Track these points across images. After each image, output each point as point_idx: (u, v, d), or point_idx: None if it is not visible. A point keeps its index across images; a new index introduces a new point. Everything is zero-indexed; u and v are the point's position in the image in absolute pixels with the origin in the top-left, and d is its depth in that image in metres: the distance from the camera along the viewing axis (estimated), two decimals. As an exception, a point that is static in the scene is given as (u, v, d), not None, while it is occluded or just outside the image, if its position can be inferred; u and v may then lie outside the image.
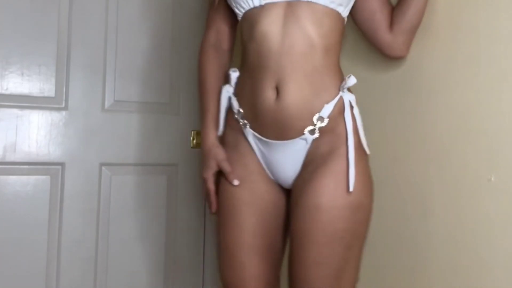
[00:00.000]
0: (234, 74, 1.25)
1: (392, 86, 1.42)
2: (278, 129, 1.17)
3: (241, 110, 1.22)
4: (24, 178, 1.65)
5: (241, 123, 1.23)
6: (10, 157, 1.63)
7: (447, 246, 1.25)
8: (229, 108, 1.28)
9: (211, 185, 1.27)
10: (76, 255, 1.72)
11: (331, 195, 1.14)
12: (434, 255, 1.28)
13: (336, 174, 1.16)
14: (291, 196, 1.23)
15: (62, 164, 1.70)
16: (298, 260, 1.15)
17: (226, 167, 1.24)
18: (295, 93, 1.14)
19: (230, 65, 1.35)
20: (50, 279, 1.68)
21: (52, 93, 1.69)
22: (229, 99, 1.27)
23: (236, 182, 1.22)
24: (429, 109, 1.31)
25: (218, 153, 1.27)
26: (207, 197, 1.29)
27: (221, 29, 1.33)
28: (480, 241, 1.18)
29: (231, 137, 1.27)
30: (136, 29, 1.82)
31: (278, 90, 1.15)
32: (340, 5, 1.18)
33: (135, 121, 1.80)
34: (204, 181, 1.29)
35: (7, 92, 1.63)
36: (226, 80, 1.31)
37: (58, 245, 1.69)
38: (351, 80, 1.18)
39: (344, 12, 1.22)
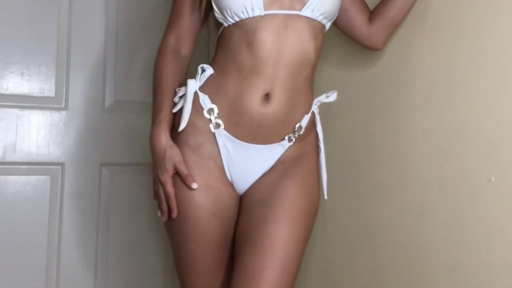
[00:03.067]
0: (209, 71, 1.21)
1: (392, 86, 1.42)
2: (261, 133, 1.19)
3: (215, 109, 1.19)
4: (24, 178, 1.65)
5: (212, 123, 1.19)
6: (10, 157, 1.62)
7: (447, 246, 1.25)
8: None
9: (171, 189, 1.19)
10: (76, 255, 1.71)
11: (305, 195, 1.22)
12: (433, 255, 1.28)
13: (309, 175, 1.25)
14: (253, 193, 1.22)
15: (62, 164, 1.70)
16: (265, 248, 1.12)
17: (184, 169, 1.18)
18: (285, 101, 1.18)
19: (189, 70, 1.30)
20: (50, 279, 1.68)
21: (52, 93, 1.69)
22: (195, 95, 1.21)
23: (194, 186, 1.17)
24: (429, 109, 1.31)
25: (175, 154, 1.19)
26: (166, 201, 1.20)
27: (182, 35, 1.26)
28: (480, 241, 1.18)
29: (192, 138, 1.20)
30: (136, 29, 1.82)
31: (269, 96, 1.17)
32: (330, 20, 1.24)
33: (135, 121, 1.80)
34: (162, 185, 1.20)
35: (7, 92, 1.63)
36: (185, 75, 1.28)
37: (58, 245, 1.69)
38: (333, 97, 1.28)
39: (329, 26, 1.26)
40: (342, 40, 1.51)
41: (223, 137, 1.20)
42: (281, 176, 1.22)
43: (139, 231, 1.82)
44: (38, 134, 1.66)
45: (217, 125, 1.19)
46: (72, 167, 1.71)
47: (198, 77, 1.21)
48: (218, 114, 1.19)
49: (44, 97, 1.68)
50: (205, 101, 1.20)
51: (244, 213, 1.23)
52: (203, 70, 1.22)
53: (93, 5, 1.75)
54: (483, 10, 1.19)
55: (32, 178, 1.66)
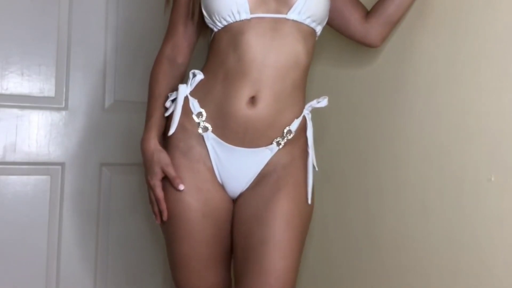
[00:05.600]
0: (199, 76, 1.23)
1: (392, 86, 1.42)
2: (247, 137, 1.20)
3: (204, 113, 1.21)
4: (24, 178, 1.65)
5: (201, 126, 1.22)
6: (10, 157, 1.62)
7: (447, 246, 1.25)
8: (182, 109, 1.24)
9: (160, 192, 1.22)
10: (76, 255, 1.72)
11: (298, 204, 1.23)
12: (434, 254, 1.28)
13: (300, 185, 1.25)
14: (247, 205, 1.24)
15: (62, 164, 1.70)
16: (270, 268, 1.18)
17: (171, 172, 1.20)
18: (272, 105, 1.18)
19: (184, 78, 1.33)
20: (50, 279, 1.68)
21: (52, 93, 1.69)
22: (185, 99, 1.24)
23: (181, 187, 1.20)
24: (429, 109, 1.31)
25: (162, 158, 1.22)
26: (157, 204, 1.24)
27: (179, 44, 1.30)
28: (480, 241, 1.18)
29: (182, 142, 1.23)
30: (136, 30, 1.82)
31: (255, 99, 1.18)
32: (319, 24, 1.24)
33: (135, 121, 1.80)
34: (151, 189, 1.24)
35: (7, 92, 1.63)
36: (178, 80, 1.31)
37: (58, 245, 1.69)
38: (324, 102, 1.27)
39: (319, 31, 1.27)
40: (340, 40, 1.51)
41: (211, 140, 1.22)
42: (273, 189, 1.23)
43: (139, 231, 1.82)
44: (38, 134, 1.66)
45: (205, 129, 1.21)
46: (72, 167, 1.71)
47: (189, 82, 1.24)
48: (206, 117, 1.21)
49: (44, 97, 1.68)
50: (195, 105, 1.22)
51: (241, 225, 1.25)
52: (194, 75, 1.24)
53: (93, 5, 1.75)
54: (483, 10, 1.19)
55: (32, 178, 1.66)
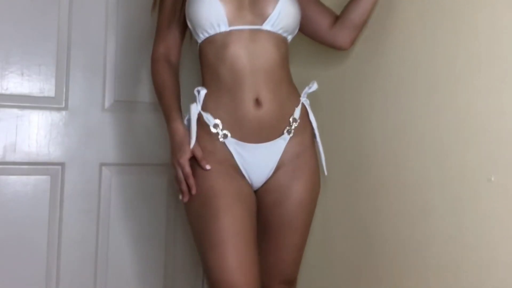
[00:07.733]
0: (203, 92, 1.33)
1: (392, 86, 1.42)
2: (263, 133, 1.32)
3: (220, 123, 1.31)
4: (24, 178, 1.65)
5: (220, 135, 1.32)
6: (10, 157, 1.62)
7: (447, 245, 1.25)
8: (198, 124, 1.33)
9: (189, 169, 1.30)
10: (76, 255, 1.72)
11: (311, 191, 1.38)
12: (433, 254, 1.28)
13: (313, 172, 1.39)
14: (269, 192, 1.37)
15: (62, 164, 1.70)
16: (284, 246, 1.38)
17: (200, 153, 1.31)
18: (274, 101, 1.31)
19: (179, 76, 1.45)
20: (50, 279, 1.68)
21: (52, 93, 1.69)
22: (199, 115, 1.33)
23: (208, 167, 1.30)
24: (430, 109, 1.31)
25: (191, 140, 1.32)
26: (185, 181, 1.30)
27: (170, 45, 1.43)
28: (480, 241, 1.18)
29: (209, 144, 1.33)
30: (136, 29, 1.82)
31: (259, 101, 1.30)
32: (290, 34, 1.38)
33: (135, 121, 1.80)
34: (181, 166, 1.31)
35: (7, 92, 1.63)
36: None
37: (58, 245, 1.69)
38: (314, 87, 1.40)
39: (290, 39, 1.40)
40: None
41: (233, 144, 1.32)
42: (291, 178, 1.36)
43: (139, 231, 1.82)
44: (38, 134, 1.66)
45: (225, 136, 1.32)
46: (72, 167, 1.71)
47: (197, 99, 1.34)
48: (223, 126, 1.32)
49: (44, 97, 1.68)
50: (209, 118, 1.32)
51: (263, 210, 1.38)
52: (198, 92, 1.34)
53: (93, 5, 1.75)
54: (483, 10, 1.20)
55: (32, 178, 1.66)
